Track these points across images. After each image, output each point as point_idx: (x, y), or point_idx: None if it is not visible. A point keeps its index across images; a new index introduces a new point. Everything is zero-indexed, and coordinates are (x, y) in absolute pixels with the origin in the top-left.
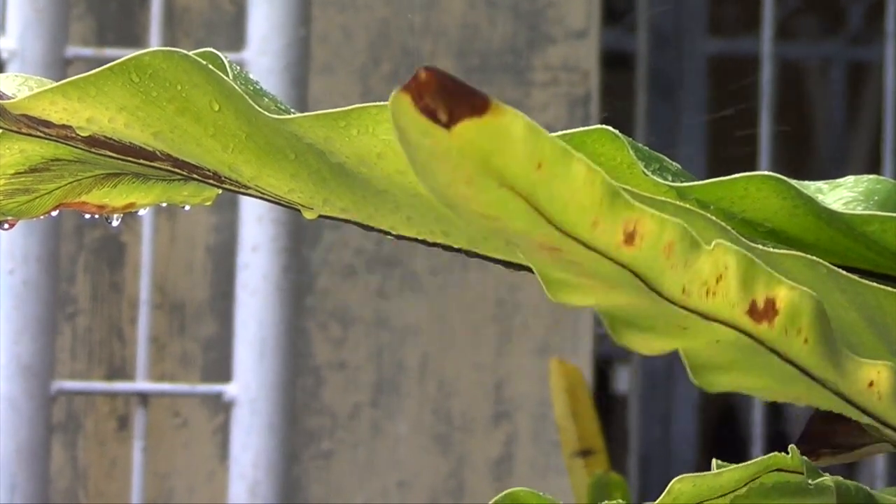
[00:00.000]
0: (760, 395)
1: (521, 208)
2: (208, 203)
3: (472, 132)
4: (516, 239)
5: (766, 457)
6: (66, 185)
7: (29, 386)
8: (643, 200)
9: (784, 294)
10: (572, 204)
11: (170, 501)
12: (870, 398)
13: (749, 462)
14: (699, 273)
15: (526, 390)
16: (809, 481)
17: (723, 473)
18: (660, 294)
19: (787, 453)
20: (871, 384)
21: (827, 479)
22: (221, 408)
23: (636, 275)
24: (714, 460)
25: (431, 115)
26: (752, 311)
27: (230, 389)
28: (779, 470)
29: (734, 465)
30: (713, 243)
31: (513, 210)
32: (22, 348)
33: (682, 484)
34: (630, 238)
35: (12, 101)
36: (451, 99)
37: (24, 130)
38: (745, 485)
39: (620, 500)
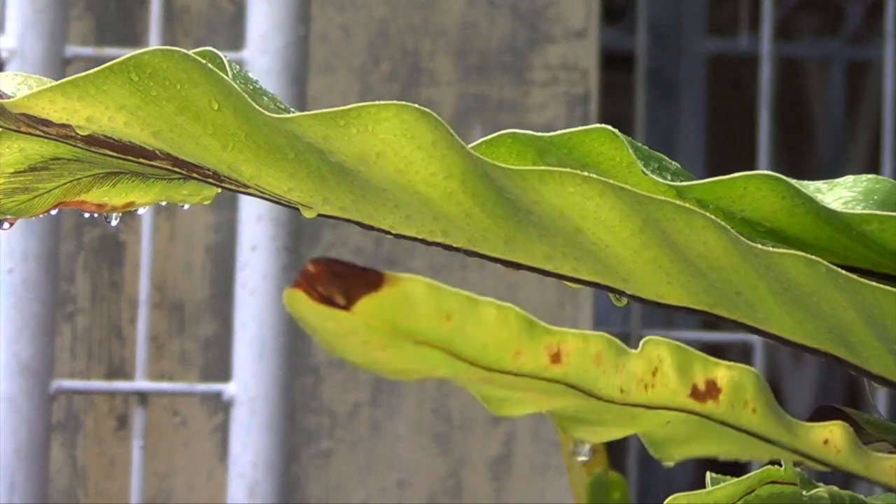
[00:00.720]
0: (724, 457)
1: (441, 359)
2: (207, 202)
3: (374, 307)
4: (448, 380)
5: (759, 470)
6: (65, 184)
7: (28, 385)
8: (562, 329)
9: (723, 373)
10: (490, 343)
11: (169, 500)
12: (828, 453)
13: (743, 477)
14: (633, 373)
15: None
16: (804, 493)
17: (715, 490)
18: (599, 398)
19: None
20: (826, 442)
21: (821, 489)
22: (221, 407)
23: (570, 385)
24: (708, 473)
25: (329, 302)
26: (695, 394)
27: (229, 389)
28: (773, 482)
29: (728, 481)
30: (642, 342)
31: (434, 362)
32: (21, 347)
33: (676, 502)
34: (556, 358)
35: (12, 100)
36: (344, 282)
37: (23, 129)
38: (740, 499)
39: (620, 500)
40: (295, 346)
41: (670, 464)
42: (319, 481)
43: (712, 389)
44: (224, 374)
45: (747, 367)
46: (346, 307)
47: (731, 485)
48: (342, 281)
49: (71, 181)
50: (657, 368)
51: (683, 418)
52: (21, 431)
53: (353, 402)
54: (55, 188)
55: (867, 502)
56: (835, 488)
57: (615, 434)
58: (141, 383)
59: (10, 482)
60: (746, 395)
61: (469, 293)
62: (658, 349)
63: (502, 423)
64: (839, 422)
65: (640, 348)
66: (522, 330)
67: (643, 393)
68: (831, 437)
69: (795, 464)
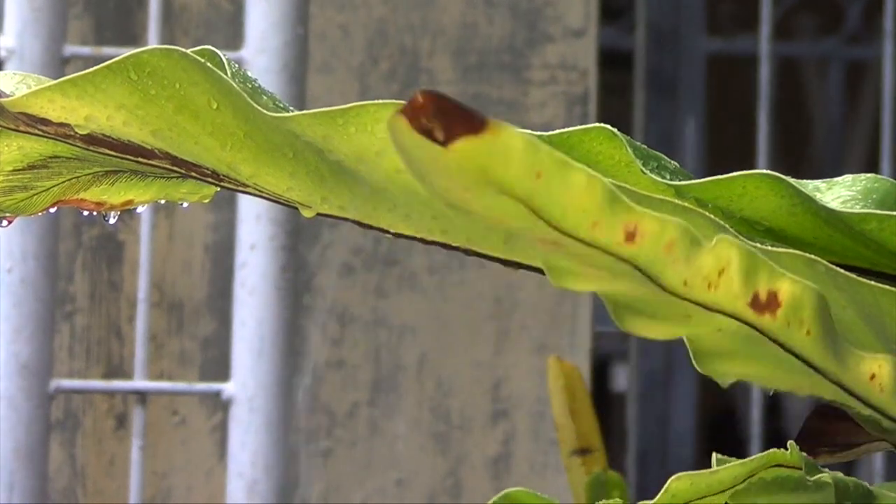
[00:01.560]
0: (763, 383)
1: (520, 211)
2: (206, 200)
3: (470, 149)
4: (517, 233)
5: (764, 453)
6: (64, 182)
7: (27, 384)
8: (643, 201)
9: (786, 287)
10: (571, 208)
11: (168, 500)
12: (871, 390)
13: (747, 459)
14: (701, 268)
15: (524, 389)
16: (808, 477)
17: (720, 471)
18: (662, 286)
19: (787, 450)
20: (872, 377)
21: (826, 475)
22: (220, 406)
23: (638, 268)
24: (714, 454)
25: (428, 135)
26: (755, 304)
27: (228, 388)
28: (778, 466)
29: (732, 462)
30: (715, 239)
31: (512, 212)
32: (20, 347)
33: (679, 482)
34: (631, 237)
35: (10, 98)
36: (448, 118)
37: (22, 128)
38: (744, 481)
39: (618, 499)
40: (294, 345)
41: (714, 378)
42: (318, 481)
43: (772, 301)
44: (223, 373)
45: (812, 284)
46: (444, 143)
47: (735, 466)
48: (446, 117)
49: (70, 179)
50: (724, 269)
51: (737, 328)
52: (20, 431)
53: (352, 402)
54: (54, 186)
55: (871, 489)
56: (839, 474)
57: (666, 331)
58: (140, 382)
59: (9, 481)
60: (804, 314)
61: (564, 156)
62: (729, 250)
63: (501, 422)
64: (890, 357)
65: (713, 244)
66: (605, 202)
67: (705, 291)
68: (879, 372)
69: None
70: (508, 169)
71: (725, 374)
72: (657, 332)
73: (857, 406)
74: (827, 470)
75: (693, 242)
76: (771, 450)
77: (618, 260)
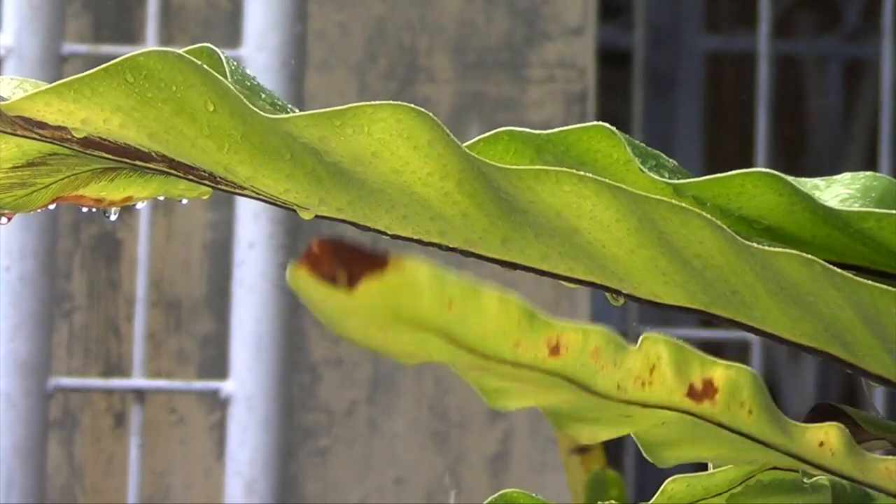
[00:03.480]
0: (717, 462)
1: (440, 345)
2: (206, 196)
3: (376, 289)
4: (445, 364)
5: None
6: (63, 178)
7: (26, 383)
8: (562, 321)
9: (721, 373)
10: (490, 333)
11: (166, 498)
12: (823, 456)
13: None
14: (631, 370)
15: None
16: (805, 479)
17: (717, 473)
18: (596, 393)
19: None
20: (821, 444)
21: (822, 477)
22: (218, 405)
23: (568, 379)
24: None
25: (332, 281)
26: (692, 394)
27: (226, 386)
28: (774, 468)
29: (728, 465)
30: (641, 338)
31: (433, 347)
32: (18, 345)
33: (675, 484)
34: (555, 350)
35: (7, 102)
36: (348, 262)
37: (19, 132)
38: (741, 484)
39: (617, 498)
40: (292, 343)
41: (664, 467)
42: (317, 479)
43: (709, 389)
44: (221, 371)
45: (745, 367)
46: (349, 287)
47: (732, 469)
48: (346, 261)
49: (69, 176)
50: (655, 366)
51: (678, 419)
52: (18, 429)
53: (350, 400)
54: (53, 183)
55: (868, 491)
56: (836, 476)
57: (610, 433)
58: (138, 381)
59: (7, 480)
60: (743, 396)
61: (472, 281)
62: (656, 346)
63: (500, 420)
64: (835, 423)
65: (638, 345)
66: (523, 321)
67: (640, 390)
68: (826, 438)
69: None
70: (419, 304)
71: (677, 459)
72: (602, 434)
73: (813, 471)
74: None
75: (618, 347)
76: None
77: (547, 374)
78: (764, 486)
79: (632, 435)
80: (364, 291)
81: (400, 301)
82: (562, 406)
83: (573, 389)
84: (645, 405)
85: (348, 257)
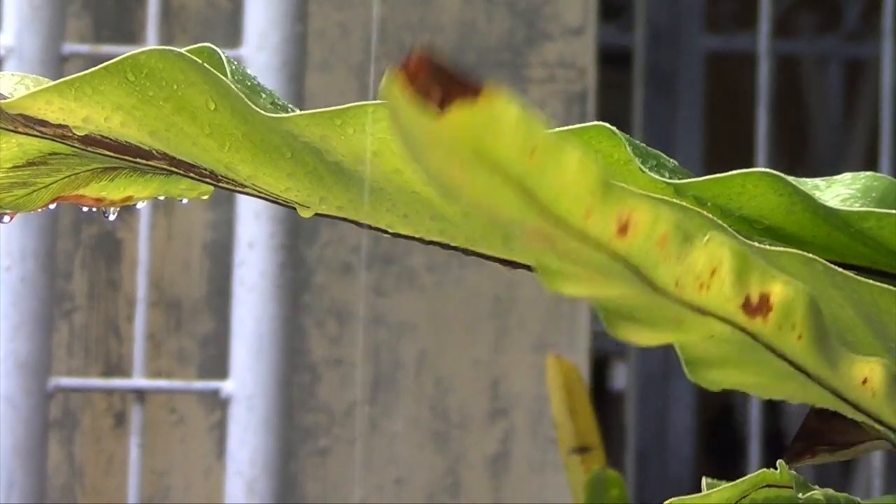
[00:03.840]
0: (755, 391)
1: (513, 197)
2: (206, 196)
3: (465, 117)
4: (511, 227)
5: (754, 474)
6: (63, 178)
7: (26, 383)
8: (638, 194)
9: (778, 289)
10: (565, 193)
11: (166, 498)
12: (863, 395)
13: (738, 481)
14: (693, 266)
15: (523, 387)
16: (800, 496)
17: (711, 494)
18: (654, 287)
19: (777, 468)
20: (864, 381)
21: (817, 492)
22: (218, 405)
23: (630, 266)
24: (704, 479)
25: (424, 98)
26: (747, 306)
27: (227, 386)
28: (768, 486)
29: (722, 486)
30: (707, 236)
31: (505, 197)
32: (19, 345)
33: None
34: (623, 229)
35: (9, 100)
36: (444, 83)
37: (20, 130)
38: (735, 503)
39: (617, 498)
40: (292, 343)
41: (705, 386)
42: (317, 479)
43: (764, 305)
44: (221, 371)
45: (803, 286)
46: (440, 110)
47: (726, 489)
48: (442, 81)
49: (69, 176)
50: (716, 269)
51: (729, 333)
52: (19, 429)
53: (350, 400)
54: (53, 183)
55: None
56: (830, 491)
57: (657, 337)
58: (138, 381)
59: (8, 480)
60: (795, 318)
61: (559, 133)
62: (721, 249)
63: (500, 420)
64: (881, 359)
65: (705, 241)
66: (598, 187)
67: (697, 292)
68: (871, 375)
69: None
70: (502, 143)
71: (717, 382)
72: (649, 338)
73: (849, 412)
74: (818, 487)
75: (685, 238)
76: (761, 470)
77: (610, 257)
78: None
79: (677, 347)
80: (452, 120)
81: (485, 137)
82: (617, 300)
83: (632, 280)
84: (699, 310)
85: (444, 78)
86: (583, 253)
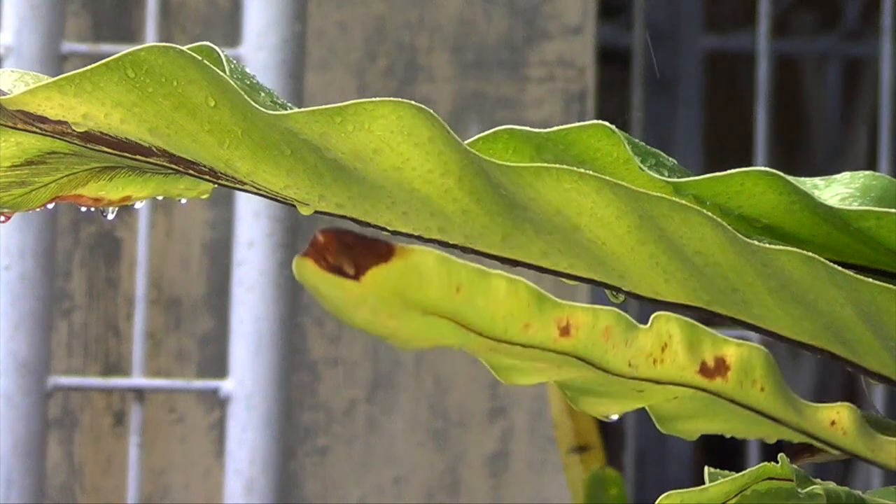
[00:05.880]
0: (730, 435)
1: (450, 329)
2: (205, 196)
3: (383, 278)
4: (456, 346)
5: (755, 468)
6: (61, 178)
7: (25, 382)
8: (570, 305)
9: (733, 352)
10: (499, 315)
11: (165, 497)
12: (835, 435)
13: (739, 474)
14: (642, 348)
15: (522, 386)
16: (800, 489)
17: (711, 487)
18: (607, 370)
19: (778, 462)
20: (832, 423)
21: (817, 486)
22: (217, 404)
23: (580, 358)
24: (707, 468)
25: (338, 272)
26: (704, 370)
27: (226, 385)
28: (769, 479)
29: (722, 479)
30: (651, 318)
31: (442, 331)
32: (18, 344)
33: (669, 500)
34: (566, 330)
35: (8, 96)
36: (354, 253)
37: (20, 126)
38: (736, 496)
39: (617, 497)
40: (292, 342)
41: (683, 437)
42: (316, 478)
43: (721, 367)
44: (221, 370)
45: (757, 345)
46: (356, 277)
47: (726, 482)
48: (352, 251)
49: (67, 175)
50: (666, 344)
51: (691, 394)
52: (18, 428)
53: (349, 399)
54: (52, 182)
55: (865, 499)
56: (832, 484)
57: (623, 408)
58: (138, 380)
59: (6, 479)
60: (755, 374)
61: (479, 266)
62: (668, 325)
63: (500, 420)
64: (846, 403)
65: (649, 324)
66: (532, 303)
67: (651, 368)
68: (838, 418)
69: (802, 446)
70: (426, 290)
71: (689, 432)
72: (614, 409)
73: (826, 448)
74: (819, 481)
75: (629, 326)
76: (762, 463)
77: (558, 354)
78: (760, 496)
79: (646, 408)
80: (371, 280)
81: (408, 288)
82: (574, 381)
83: (585, 367)
84: (657, 382)
85: (354, 247)
86: (531, 354)
